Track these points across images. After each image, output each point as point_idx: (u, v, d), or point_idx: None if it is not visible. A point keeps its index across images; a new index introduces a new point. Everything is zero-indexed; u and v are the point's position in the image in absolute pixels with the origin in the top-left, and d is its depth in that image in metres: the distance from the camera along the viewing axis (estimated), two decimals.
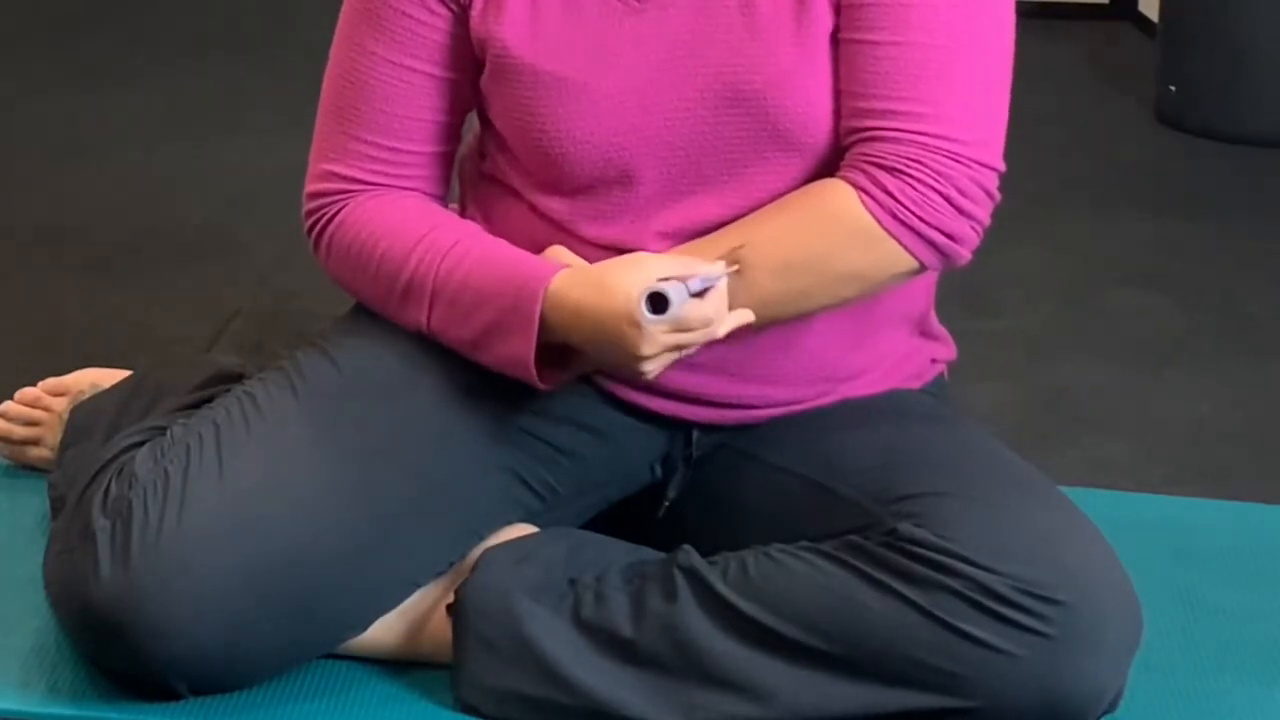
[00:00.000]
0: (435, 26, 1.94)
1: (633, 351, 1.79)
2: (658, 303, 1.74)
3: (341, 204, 1.97)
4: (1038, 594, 1.78)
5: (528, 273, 1.85)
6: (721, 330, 1.80)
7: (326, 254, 1.98)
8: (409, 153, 1.97)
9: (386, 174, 1.96)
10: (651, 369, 1.81)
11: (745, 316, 1.83)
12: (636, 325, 1.77)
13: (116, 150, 3.95)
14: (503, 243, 1.91)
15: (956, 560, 1.79)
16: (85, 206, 3.60)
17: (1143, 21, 5.04)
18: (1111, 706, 1.85)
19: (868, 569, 1.82)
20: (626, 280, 1.79)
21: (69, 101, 4.28)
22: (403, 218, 1.94)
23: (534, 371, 1.85)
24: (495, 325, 1.86)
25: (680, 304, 1.75)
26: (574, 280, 1.83)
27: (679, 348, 1.80)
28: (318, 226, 1.98)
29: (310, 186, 1.99)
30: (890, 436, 1.95)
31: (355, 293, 1.99)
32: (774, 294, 1.86)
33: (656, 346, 1.78)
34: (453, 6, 1.93)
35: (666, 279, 1.78)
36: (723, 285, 1.80)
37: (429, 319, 1.91)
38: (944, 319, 2.11)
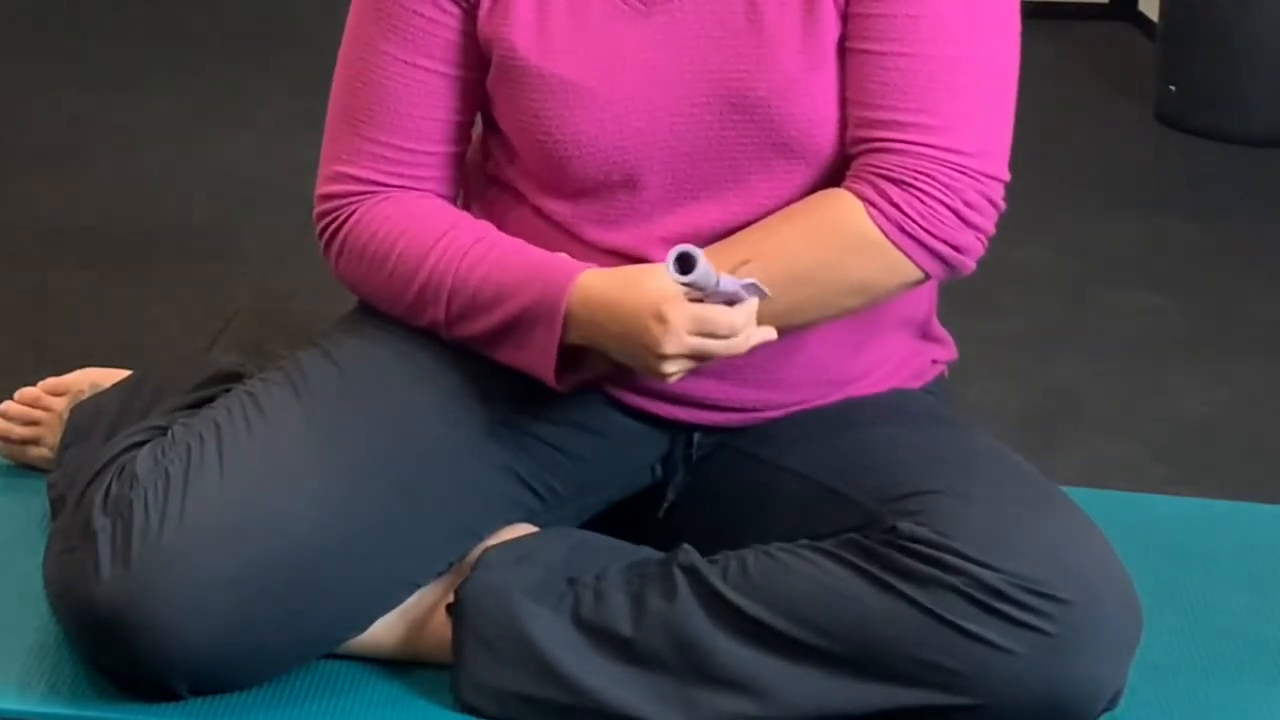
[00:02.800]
0: (446, 25, 1.94)
1: (655, 349, 1.78)
2: (685, 264, 1.72)
3: (355, 206, 1.96)
4: (1038, 591, 1.78)
5: (554, 267, 1.85)
6: (745, 345, 1.80)
7: (339, 255, 1.98)
8: (422, 153, 1.96)
9: (400, 174, 1.96)
10: (671, 370, 1.80)
11: (769, 334, 1.82)
12: (662, 320, 1.77)
13: (117, 150, 3.95)
14: (522, 242, 1.91)
15: (957, 558, 1.79)
16: (85, 206, 3.60)
17: (1143, 21, 5.04)
18: (1111, 704, 1.85)
19: (868, 567, 1.82)
20: (657, 278, 1.78)
21: (69, 101, 4.28)
22: (419, 219, 1.94)
23: (554, 365, 1.84)
24: (518, 319, 1.86)
25: (707, 275, 1.72)
26: (605, 277, 1.82)
27: (699, 355, 1.79)
28: (330, 228, 1.98)
29: (322, 188, 1.99)
30: (890, 435, 1.95)
31: (367, 294, 1.99)
32: (780, 305, 1.85)
33: (679, 346, 1.78)
34: (463, 4, 1.93)
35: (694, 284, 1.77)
36: (753, 303, 1.79)
37: (446, 315, 1.90)
38: (945, 319, 2.12)
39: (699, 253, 1.71)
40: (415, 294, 1.92)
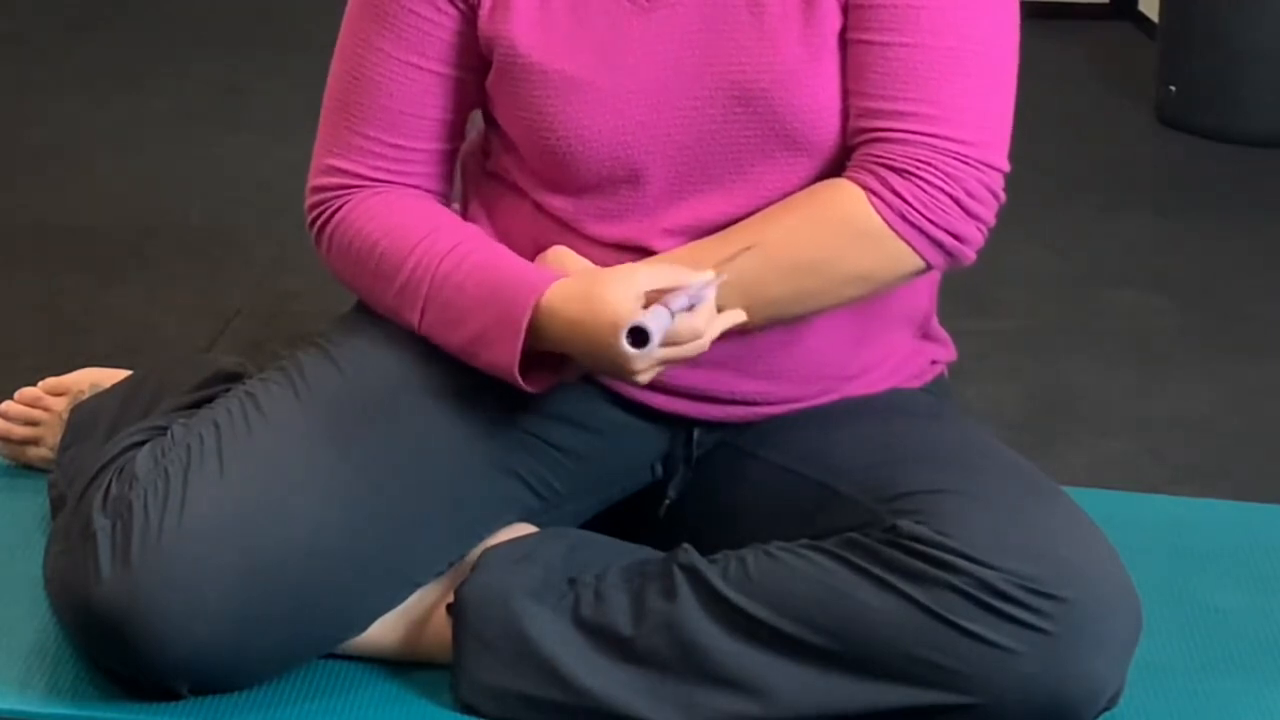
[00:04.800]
0: (443, 25, 1.94)
1: (622, 364, 1.79)
2: (638, 336, 1.74)
3: (344, 199, 1.97)
4: (1038, 590, 1.78)
5: (520, 283, 1.85)
6: (709, 338, 1.80)
7: (328, 249, 1.98)
8: (413, 149, 1.97)
9: (390, 170, 1.96)
10: (643, 379, 1.82)
11: (737, 316, 1.83)
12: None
13: (117, 150, 3.95)
14: (502, 249, 1.91)
15: (957, 557, 1.79)
16: (85, 206, 3.60)
17: (1143, 21, 5.03)
18: (1111, 703, 1.85)
19: (868, 566, 1.82)
20: (615, 294, 1.79)
21: (69, 101, 4.28)
22: (404, 217, 1.94)
23: (519, 380, 1.85)
24: (482, 334, 1.86)
25: (661, 332, 1.75)
26: (565, 293, 1.83)
27: (668, 361, 1.80)
28: (320, 221, 1.98)
29: (313, 181, 1.99)
30: (890, 434, 1.96)
31: (355, 288, 2.00)
32: (781, 294, 1.86)
33: (645, 361, 1.79)
34: (460, 6, 1.93)
35: (657, 290, 1.78)
36: (711, 295, 1.80)
37: (420, 322, 1.91)
38: (944, 319, 2.12)
39: (649, 323, 1.73)
40: (395, 294, 1.93)
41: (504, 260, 1.89)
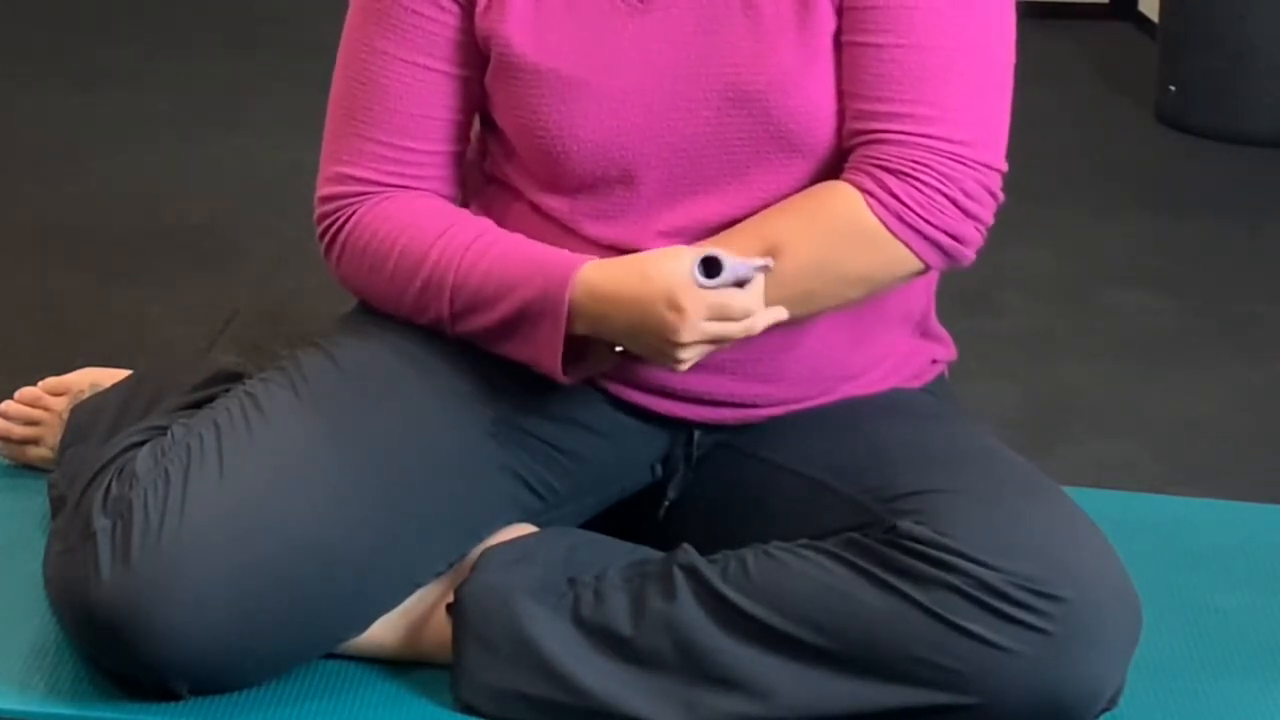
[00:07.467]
0: (445, 23, 1.94)
1: (671, 338, 1.79)
2: (711, 267, 1.74)
3: (356, 206, 1.96)
4: (1038, 590, 1.78)
5: (556, 261, 1.85)
6: (759, 325, 1.80)
7: (340, 256, 1.97)
8: (423, 152, 1.96)
9: (401, 174, 1.96)
10: (687, 357, 1.81)
11: (779, 314, 1.83)
12: (678, 310, 1.78)
13: (116, 150, 3.95)
14: (522, 237, 1.91)
15: (956, 557, 1.79)
16: (85, 206, 3.60)
17: (1143, 21, 5.04)
18: (1111, 703, 1.85)
19: (868, 566, 1.82)
20: (667, 268, 1.79)
21: (69, 101, 4.28)
22: (419, 217, 1.94)
23: (559, 359, 1.85)
24: (522, 313, 1.86)
25: (733, 270, 1.75)
26: (610, 269, 1.83)
27: (716, 340, 1.80)
28: (331, 230, 1.98)
29: (323, 190, 1.99)
30: (890, 435, 1.95)
31: (368, 294, 1.99)
32: (782, 297, 1.86)
33: (696, 334, 1.78)
34: (460, 1, 1.93)
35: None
36: (760, 279, 1.80)
37: (450, 312, 1.90)
38: (944, 319, 2.12)
39: (725, 255, 1.72)
40: (417, 292, 1.92)
41: (530, 245, 1.89)
